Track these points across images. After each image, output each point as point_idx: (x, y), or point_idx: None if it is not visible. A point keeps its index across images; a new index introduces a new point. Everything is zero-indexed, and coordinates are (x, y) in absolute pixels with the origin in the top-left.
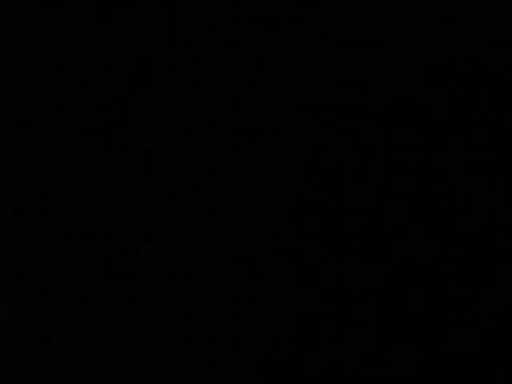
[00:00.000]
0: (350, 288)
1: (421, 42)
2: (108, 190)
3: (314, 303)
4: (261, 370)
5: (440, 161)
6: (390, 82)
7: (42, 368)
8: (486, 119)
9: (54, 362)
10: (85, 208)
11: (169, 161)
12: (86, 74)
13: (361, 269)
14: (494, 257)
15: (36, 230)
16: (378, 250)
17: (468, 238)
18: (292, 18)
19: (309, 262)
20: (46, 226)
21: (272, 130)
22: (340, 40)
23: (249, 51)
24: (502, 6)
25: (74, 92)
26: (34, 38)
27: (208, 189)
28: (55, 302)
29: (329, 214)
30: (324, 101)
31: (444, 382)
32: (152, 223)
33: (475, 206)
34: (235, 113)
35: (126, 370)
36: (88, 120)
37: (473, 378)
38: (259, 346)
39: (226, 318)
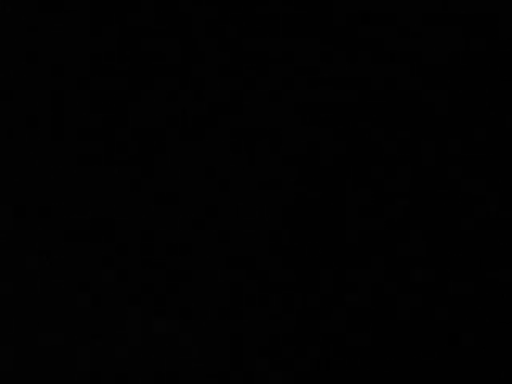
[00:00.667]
0: (351, 288)
1: (421, 41)
2: (108, 190)
3: (314, 303)
4: (261, 369)
5: (440, 161)
6: (389, 82)
7: (42, 368)
8: (486, 119)
9: (54, 362)
10: (85, 208)
11: (169, 161)
12: (86, 74)
13: (361, 269)
14: (494, 257)
15: (36, 230)
16: (378, 250)
17: (468, 238)
18: (292, 18)
19: (309, 261)
20: (46, 226)
21: (272, 130)
22: (340, 40)
23: (249, 51)
24: (502, 6)
25: (74, 92)
26: (33, 38)
27: (208, 189)
28: (56, 301)
29: (329, 214)
30: (324, 101)
31: (444, 382)
32: (152, 223)
33: (475, 206)
34: (235, 113)
35: (127, 370)
36: (88, 120)
37: (473, 378)
38: (259, 346)
39: (226, 318)
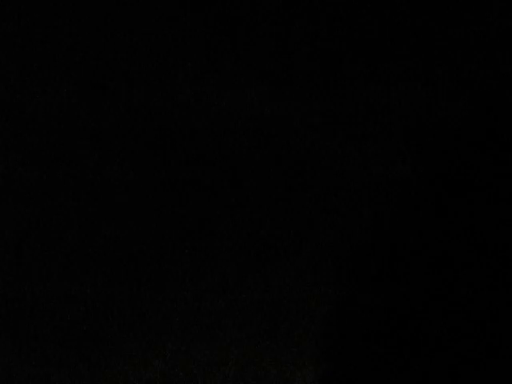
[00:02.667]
0: (351, 288)
1: (422, 45)
2: (109, 189)
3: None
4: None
5: (440, 158)
6: (392, 82)
7: (41, 368)
8: (486, 119)
9: (53, 362)
10: (85, 207)
11: (169, 160)
12: (85, 72)
13: (362, 269)
14: (493, 256)
15: (36, 229)
16: (378, 249)
17: (467, 237)
18: (291, 18)
19: (310, 261)
20: (47, 225)
21: (273, 130)
22: (340, 40)
23: (248, 55)
24: (503, 6)
25: (74, 92)
26: (33, 37)
27: (208, 189)
28: (56, 301)
29: (329, 214)
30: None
31: (444, 382)
32: (153, 224)
33: (475, 206)
34: (235, 114)
35: (127, 369)
36: (88, 119)
37: (472, 378)
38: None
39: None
